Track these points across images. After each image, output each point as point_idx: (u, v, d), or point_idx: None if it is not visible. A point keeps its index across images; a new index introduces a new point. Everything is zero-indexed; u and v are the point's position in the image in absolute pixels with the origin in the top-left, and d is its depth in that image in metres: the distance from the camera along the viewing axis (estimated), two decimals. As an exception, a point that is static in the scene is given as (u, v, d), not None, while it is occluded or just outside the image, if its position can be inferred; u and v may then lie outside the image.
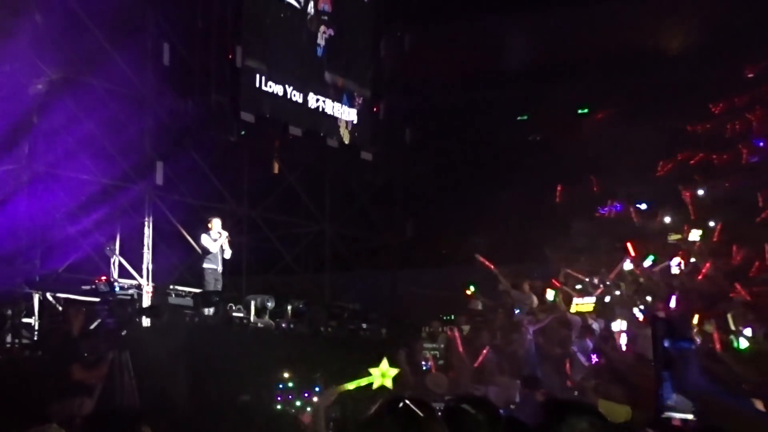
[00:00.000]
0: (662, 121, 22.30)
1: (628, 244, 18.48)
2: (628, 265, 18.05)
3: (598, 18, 25.31)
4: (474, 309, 17.88)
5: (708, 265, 17.30)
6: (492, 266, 18.03)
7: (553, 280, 17.92)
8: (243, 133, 18.83)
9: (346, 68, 21.09)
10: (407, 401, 3.38)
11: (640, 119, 22.56)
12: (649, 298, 16.93)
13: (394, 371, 9.72)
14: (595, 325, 15.92)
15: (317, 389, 12.43)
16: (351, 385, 9.38)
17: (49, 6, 15.83)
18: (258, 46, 18.85)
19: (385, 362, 9.73)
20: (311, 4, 20.17)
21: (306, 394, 12.19)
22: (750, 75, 23.08)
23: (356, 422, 7.42)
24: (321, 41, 20.45)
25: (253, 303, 16.76)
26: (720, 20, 25.07)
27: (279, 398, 11.41)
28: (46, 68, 15.81)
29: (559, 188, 21.70)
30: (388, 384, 9.51)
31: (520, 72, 27.26)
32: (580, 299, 15.94)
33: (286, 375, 12.36)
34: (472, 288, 18.41)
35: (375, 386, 9.47)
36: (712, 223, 19.04)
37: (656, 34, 26.63)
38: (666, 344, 3.33)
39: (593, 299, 15.80)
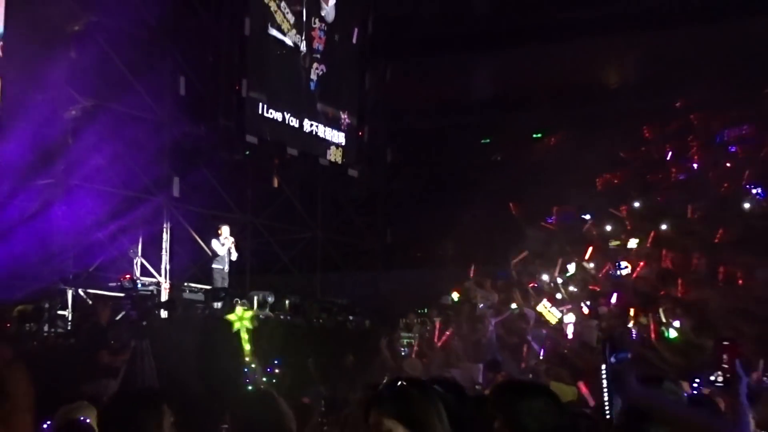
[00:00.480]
0: (604, 143, 22.42)
1: (589, 248, 18.56)
2: (572, 268, 18.09)
3: (550, 57, 25.45)
4: (444, 303, 17.91)
5: (642, 266, 17.37)
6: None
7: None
8: (247, 152, 18.85)
9: (336, 99, 21.12)
10: (403, 381, 3.37)
11: (585, 142, 22.68)
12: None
13: (249, 313, 9.68)
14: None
15: (276, 362, 12.38)
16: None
17: (82, 44, 15.83)
18: (260, 80, 18.86)
19: (239, 308, 9.72)
20: (304, 44, 20.19)
21: (269, 369, 12.13)
22: (678, 105, 23.26)
23: (347, 401, 7.40)
24: (314, 76, 20.47)
25: (255, 298, 16.72)
26: (651, 59, 25.26)
27: (247, 380, 11.33)
28: (80, 97, 15.81)
29: (514, 206, 21.65)
30: (248, 324, 9.47)
31: (483, 102, 27.38)
32: (549, 305, 15.84)
33: (247, 359, 12.30)
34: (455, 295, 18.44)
35: (236, 328, 9.42)
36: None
37: (598, 71, 26.81)
38: (612, 360, 3.34)
39: (559, 314, 15.70)
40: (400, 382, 3.38)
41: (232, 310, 10.14)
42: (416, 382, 3.40)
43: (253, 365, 12.23)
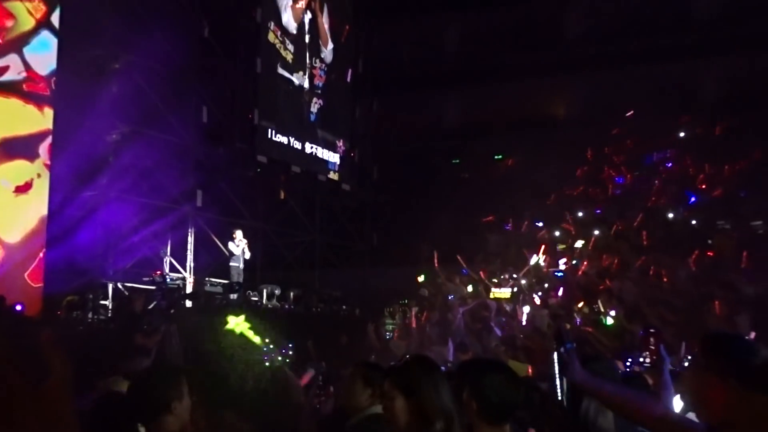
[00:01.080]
0: (552, 165, 22.53)
1: (542, 247, 18.61)
2: (533, 260, 18.12)
3: (508, 92, 25.61)
4: (422, 295, 17.90)
5: (585, 265, 17.40)
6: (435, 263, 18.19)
7: (481, 273, 17.94)
8: (258, 170, 18.77)
9: (332, 128, 21.08)
10: (410, 358, 3.37)
11: (537, 163, 22.80)
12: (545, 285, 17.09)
13: (241, 319, 9.67)
14: (508, 307, 15.95)
15: (290, 345, 12.27)
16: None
17: (121, 80, 15.78)
18: (269, 110, 18.80)
19: (231, 319, 9.70)
20: (307, 82, 20.18)
21: (283, 351, 12.01)
22: (615, 132, 23.44)
23: (339, 375, 7.31)
24: (314, 109, 20.43)
25: (264, 290, 16.74)
26: (592, 95, 25.41)
27: (265, 357, 11.21)
28: (119, 123, 15.76)
29: (489, 218, 21.69)
30: (247, 325, 9.43)
31: (452, 129, 27.52)
32: (498, 289, 15.91)
33: (267, 340, 12.19)
34: (422, 276, 18.44)
35: (239, 332, 9.41)
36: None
37: (548, 104, 26.95)
38: (562, 350, 3.33)
39: (509, 291, 15.76)
40: (408, 358, 3.38)
41: (226, 322, 10.06)
42: (420, 359, 3.38)
43: (271, 346, 12.13)
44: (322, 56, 20.92)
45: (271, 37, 18.90)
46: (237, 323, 9.85)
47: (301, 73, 19.84)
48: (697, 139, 23.07)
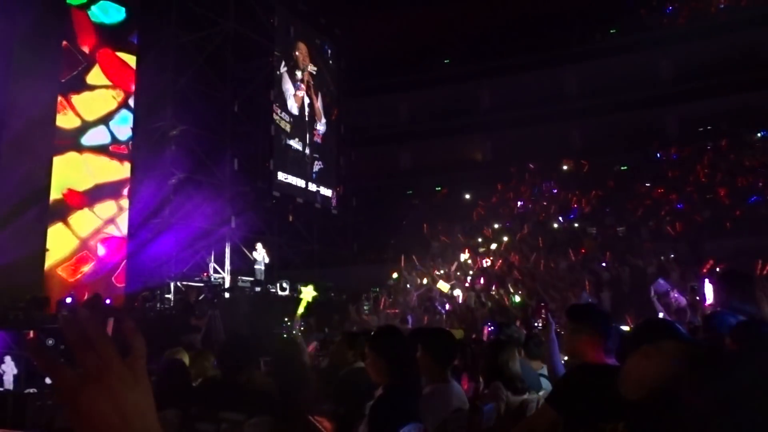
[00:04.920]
0: (475, 192, 22.73)
1: (468, 251, 18.63)
2: (462, 258, 18.12)
3: (444, 145, 25.87)
4: (389, 284, 17.85)
5: (499, 261, 17.47)
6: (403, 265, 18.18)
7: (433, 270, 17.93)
8: (274, 201, 18.69)
9: (326, 176, 21.07)
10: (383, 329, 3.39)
11: (464, 193, 22.94)
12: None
13: (313, 293, 9.55)
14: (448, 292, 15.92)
15: (302, 322, 12.19)
16: (301, 308, 9.17)
17: (178, 142, 15.73)
18: (281, 161, 18.76)
19: (307, 289, 9.62)
20: (308, 149, 20.18)
21: (298, 325, 11.93)
22: (513, 170, 23.74)
23: (332, 342, 7.25)
24: (315, 168, 20.45)
25: (278, 284, 16.55)
26: (498, 145, 25.73)
27: (284, 331, 11.12)
28: (177, 172, 15.63)
29: (432, 230, 21.73)
30: (309, 299, 9.31)
31: (406, 170, 27.71)
32: (443, 283, 15.81)
33: (285, 319, 12.09)
34: (396, 274, 18.41)
35: (302, 298, 9.31)
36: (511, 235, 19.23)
37: (470, 152, 27.25)
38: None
39: (449, 286, 15.65)
40: (379, 329, 3.39)
41: (300, 291, 9.88)
42: (389, 328, 3.39)
43: (290, 323, 12.01)
44: (318, 127, 20.95)
45: (275, 116, 18.76)
46: (307, 291, 9.67)
47: (297, 139, 19.74)
48: (571, 174, 23.41)
